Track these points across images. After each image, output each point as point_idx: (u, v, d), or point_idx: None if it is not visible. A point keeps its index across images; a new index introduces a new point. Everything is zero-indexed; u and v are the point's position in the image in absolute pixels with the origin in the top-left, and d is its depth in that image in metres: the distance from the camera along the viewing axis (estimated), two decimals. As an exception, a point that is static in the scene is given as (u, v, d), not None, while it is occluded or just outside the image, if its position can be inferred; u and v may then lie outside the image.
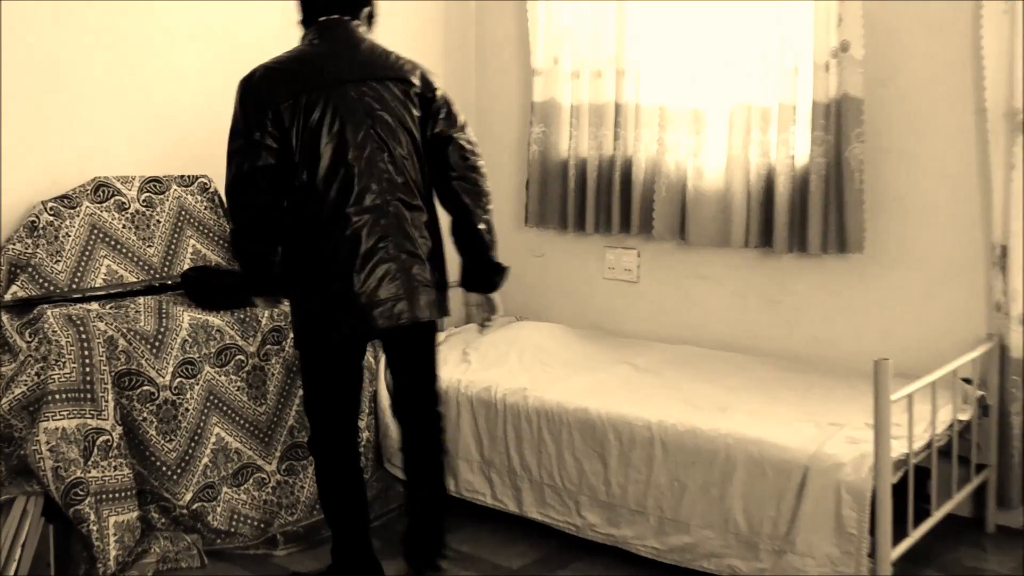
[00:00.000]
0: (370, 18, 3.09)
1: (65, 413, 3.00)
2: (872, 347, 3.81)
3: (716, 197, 4.09)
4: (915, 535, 3.08)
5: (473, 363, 3.90)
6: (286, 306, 3.47)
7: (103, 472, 3.03)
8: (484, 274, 3.06)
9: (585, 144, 4.37)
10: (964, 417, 3.40)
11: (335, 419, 3.05)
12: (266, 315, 3.46)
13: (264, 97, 2.84)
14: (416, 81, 2.97)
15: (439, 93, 3.01)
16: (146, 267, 3.53)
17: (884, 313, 3.89)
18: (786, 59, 3.90)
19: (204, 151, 3.87)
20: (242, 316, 3.42)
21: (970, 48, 3.63)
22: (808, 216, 3.85)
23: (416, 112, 2.96)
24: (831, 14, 3.75)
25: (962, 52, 3.66)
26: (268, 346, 3.47)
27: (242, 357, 3.40)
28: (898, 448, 2.98)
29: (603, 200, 4.37)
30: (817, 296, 4.04)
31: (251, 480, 3.41)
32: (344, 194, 2.86)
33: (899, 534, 2.97)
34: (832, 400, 3.51)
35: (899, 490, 2.96)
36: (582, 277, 4.58)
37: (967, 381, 3.47)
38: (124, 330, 3.16)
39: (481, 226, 3.00)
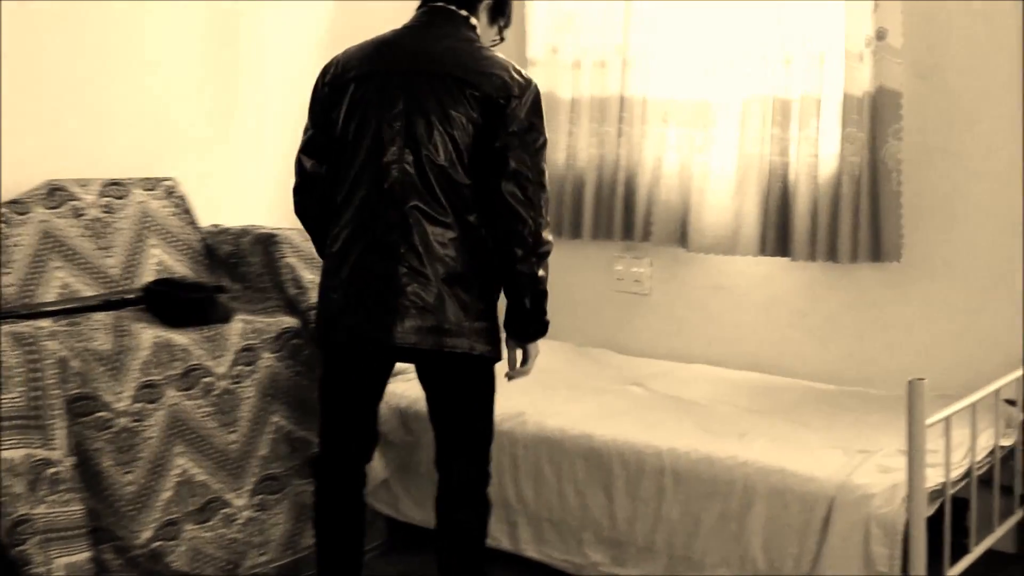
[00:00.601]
0: (492, 13, 3.05)
1: (10, 443, 3.01)
2: (908, 365, 3.82)
3: (725, 199, 4.11)
4: (952, 573, 3.09)
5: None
6: (259, 323, 3.49)
7: (51, 508, 3.04)
8: (518, 322, 3.00)
9: (585, 141, 4.40)
10: (1007, 443, 3.41)
11: (336, 439, 3.09)
12: (237, 333, 3.48)
13: (318, 82, 3.04)
14: (484, 84, 2.84)
15: (515, 103, 2.84)
16: (104, 279, 3.55)
17: (922, 328, 3.91)
18: (811, 47, 3.92)
19: (170, 151, 3.90)
20: (210, 334, 3.44)
21: (1017, 36, 3.65)
22: (839, 221, 3.87)
23: (473, 116, 2.84)
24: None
25: (1009, 40, 3.69)
26: (239, 367, 3.49)
27: (210, 379, 3.42)
28: (934, 477, 2.99)
29: (604, 204, 4.40)
30: (849, 309, 4.07)
31: (218, 516, 3.42)
32: (352, 191, 2.92)
33: (935, 572, 2.98)
34: (863, 424, 3.52)
35: (935, 524, 2.97)
36: (588, 289, 4.60)
37: (1011, 403, 3.48)
38: (78, 349, 3.18)
39: (520, 268, 2.88)
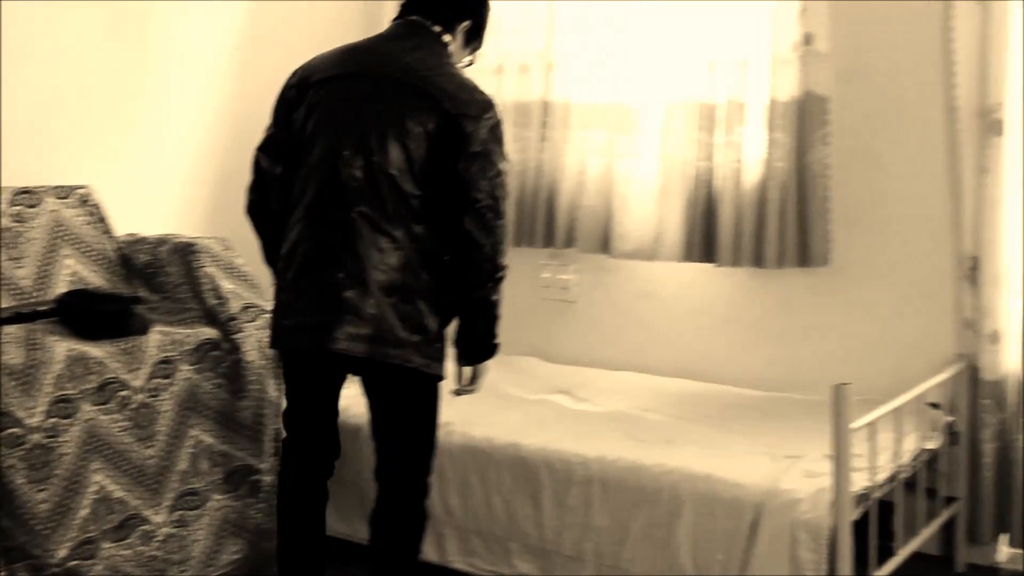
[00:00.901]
0: (468, 36, 3.11)
1: (-81, 461, 2.98)
2: (834, 370, 3.90)
3: (650, 205, 4.17)
4: (878, 577, 3.18)
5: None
6: (177, 335, 3.49)
7: (-37, 527, 3.01)
8: (469, 343, 3.05)
9: (509, 147, 4.39)
10: (932, 446, 3.51)
11: (298, 436, 3.22)
12: (154, 345, 3.47)
13: (285, 84, 3.11)
14: (446, 100, 2.88)
15: (475, 124, 2.88)
16: (15, 291, 3.52)
17: (847, 333, 4.00)
18: (736, 52, 4.00)
19: (84, 157, 3.87)
20: (126, 346, 3.43)
21: (941, 42, 3.76)
22: (765, 226, 3.95)
23: (430, 129, 2.87)
24: (792, 3, 3.86)
25: (933, 46, 3.79)
26: (157, 379, 3.47)
27: (126, 393, 3.40)
28: (860, 481, 3.07)
29: (527, 210, 4.44)
30: (775, 315, 4.15)
31: (136, 533, 3.41)
32: (303, 191, 2.97)
33: (861, 576, 3.07)
34: (790, 430, 3.60)
35: (861, 527, 3.05)
36: (514, 297, 4.60)
37: (935, 406, 3.58)
38: (-11, 364, 3.15)
39: (477, 294, 2.96)
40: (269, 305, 3.75)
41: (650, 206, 4.18)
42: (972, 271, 3.67)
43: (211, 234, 3.89)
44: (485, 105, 2.94)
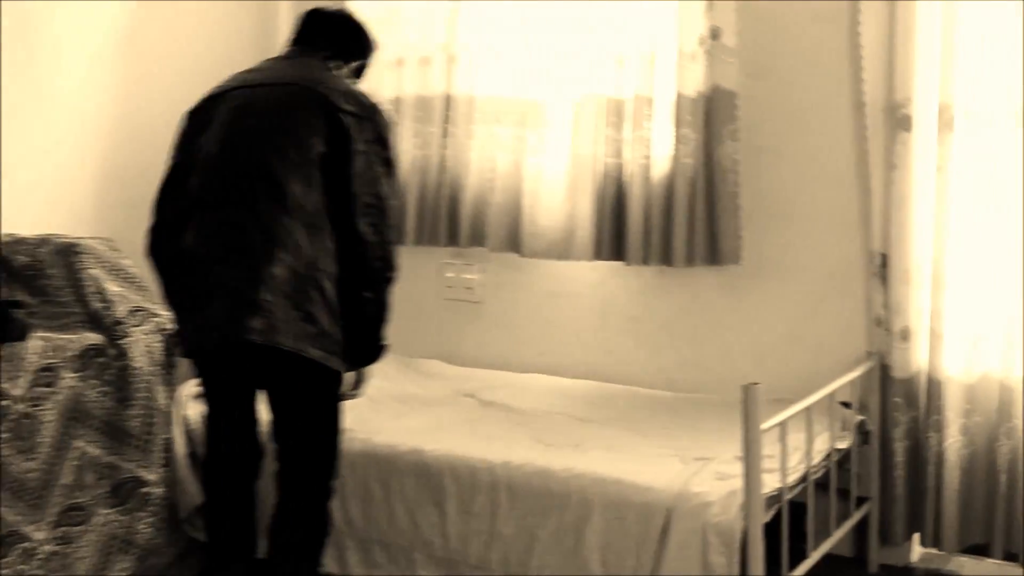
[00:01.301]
0: (356, 72, 3.34)
1: None
2: (744, 370, 3.97)
3: (557, 202, 4.19)
4: (791, 580, 3.22)
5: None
6: (59, 340, 3.42)
7: None
8: (355, 346, 3.11)
9: (409, 143, 4.42)
10: (843, 445, 3.56)
11: (219, 444, 3.29)
12: (35, 351, 3.40)
13: (181, 118, 3.24)
14: (335, 98, 3.03)
15: (362, 123, 3.03)
16: None
17: (757, 332, 4.05)
18: (644, 46, 4.02)
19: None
20: (4, 353, 3.35)
21: (848, 37, 3.82)
22: (673, 224, 3.97)
23: (318, 129, 3.01)
24: (698, -4, 3.87)
25: (840, 41, 3.85)
26: (38, 388, 3.40)
27: (5, 403, 3.33)
28: (770, 483, 3.10)
29: (429, 208, 4.42)
30: (684, 314, 4.18)
31: (16, 551, 3.33)
32: (197, 197, 3.08)
33: (772, 580, 3.10)
34: (700, 431, 3.63)
35: (773, 530, 3.08)
36: (416, 298, 4.62)
37: (846, 405, 3.64)
38: None
39: (366, 295, 3.06)
40: (157, 308, 3.70)
41: (558, 203, 4.18)
42: (882, 268, 3.73)
43: (95, 234, 3.82)
44: (370, 107, 3.09)
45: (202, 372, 3.24)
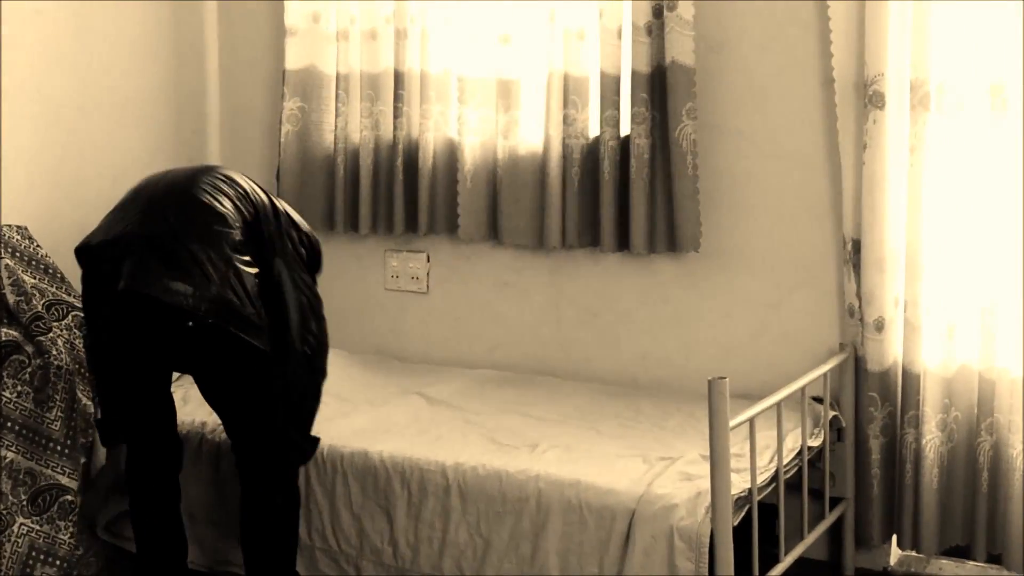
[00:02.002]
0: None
1: None
2: (709, 364, 3.94)
3: (531, 187, 4.16)
4: (762, 586, 3.20)
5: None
6: None
7: None
8: None
9: (357, 123, 4.37)
10: (815, 443, 3.55)
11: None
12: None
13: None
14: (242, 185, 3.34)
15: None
16: None
17: (722, 323, 4.04)
18: (608, 18, 3.98)
19: None
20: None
21: (816, 8, 3.80)
22: (631, 209, 3.95)
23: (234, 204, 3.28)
24: (650, -37, 3.85)
25: (808, 13, 3.83)
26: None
27: (-87, 404, 3.26)
28: (739, 483, 3.09)
29: (382, 193, 4.38)
30: (643, 305, 4.16)
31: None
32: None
33: (743, 585, 3.08)
34: (664, 429, 3.62)
35: (742, 533, 3.06)
36: (358, 289, 4.57)
37: (818, 400, 3.63)
38: None
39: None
40: (78, 302, 3.63)
41: (512, 187, 4.15)
42: (854, 255, 3.73)
43: (9, 222, 3.74)
44: None
45: None
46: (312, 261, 3.45)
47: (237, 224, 3.23)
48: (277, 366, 3.22)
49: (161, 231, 3.18)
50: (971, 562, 3.77)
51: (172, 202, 3.25)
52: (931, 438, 3.63)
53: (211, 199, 3.23)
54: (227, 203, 3.25)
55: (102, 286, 3.20)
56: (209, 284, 3.10)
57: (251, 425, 3.29)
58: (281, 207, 3.41)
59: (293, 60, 4.42)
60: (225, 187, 3.29)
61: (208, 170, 3.39)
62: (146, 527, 3.44)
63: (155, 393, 3.39)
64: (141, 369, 3.32)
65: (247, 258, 3.21)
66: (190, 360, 3.29)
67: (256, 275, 3.21)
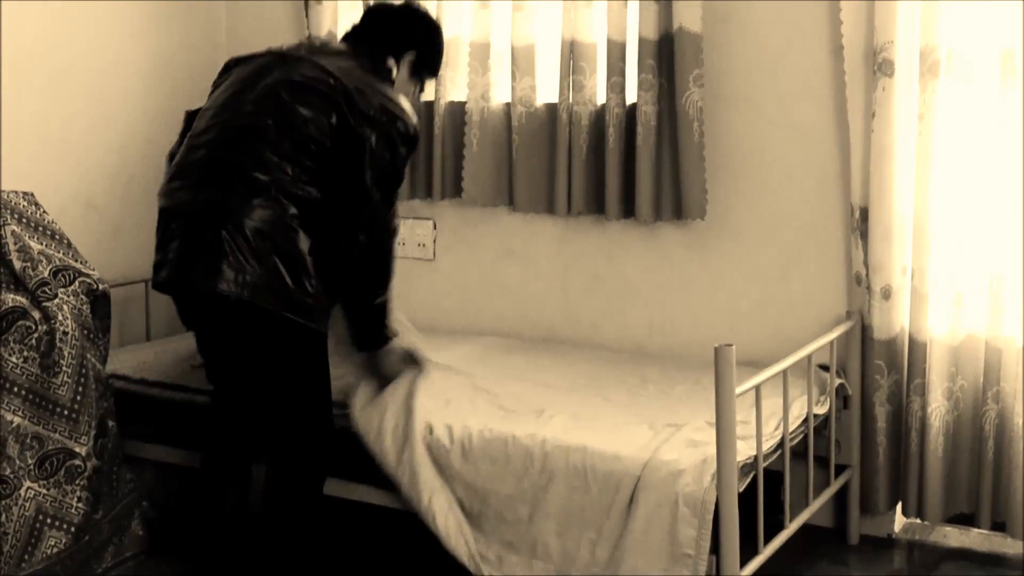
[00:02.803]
0: (415, 67, 3.52)
1: None
2: (716, 331, 3.95)
3: (540, 153, 4.15)
4: (767, 552, 3.20)
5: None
6: None
7: None
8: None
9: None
10: (821, 411, 3.55)
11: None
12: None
13: None
14: (359, 100, 3.20)
15: (369, 123, 3.20)
16: None
17: (729, 291, 4.03)
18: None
19: None
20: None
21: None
22: (637, 176, 3.95)
23: (325, 116, 3.18)
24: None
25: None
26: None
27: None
28: (745, 450, 3.09)
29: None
30: (650, 273, 4.15)
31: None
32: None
33: (748, 552, 3.08)
34: (670, 397, 3.62)
35: (748, 500, 3.07)
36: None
37: (824, 368, 3.62)
38: None
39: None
40: (85, 267, 3.63)
41: (522, 153, 4.15)
42: (861, 223, 3.72)
43: (14, 188, 3.74)
44: (391, 114, 3.24)
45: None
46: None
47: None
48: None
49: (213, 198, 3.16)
50: (975, 529, 3.77)
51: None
52: (936, 406, 3.62)
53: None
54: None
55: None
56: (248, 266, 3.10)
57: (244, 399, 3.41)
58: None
59: (313, 27, 4.43)
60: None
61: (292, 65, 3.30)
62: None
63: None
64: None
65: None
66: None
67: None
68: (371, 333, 3.42)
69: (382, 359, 3.47)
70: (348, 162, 3.19)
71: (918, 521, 3.80)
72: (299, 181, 3.15)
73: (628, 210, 4.02)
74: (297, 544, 3.31)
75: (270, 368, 3.28)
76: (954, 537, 3.86)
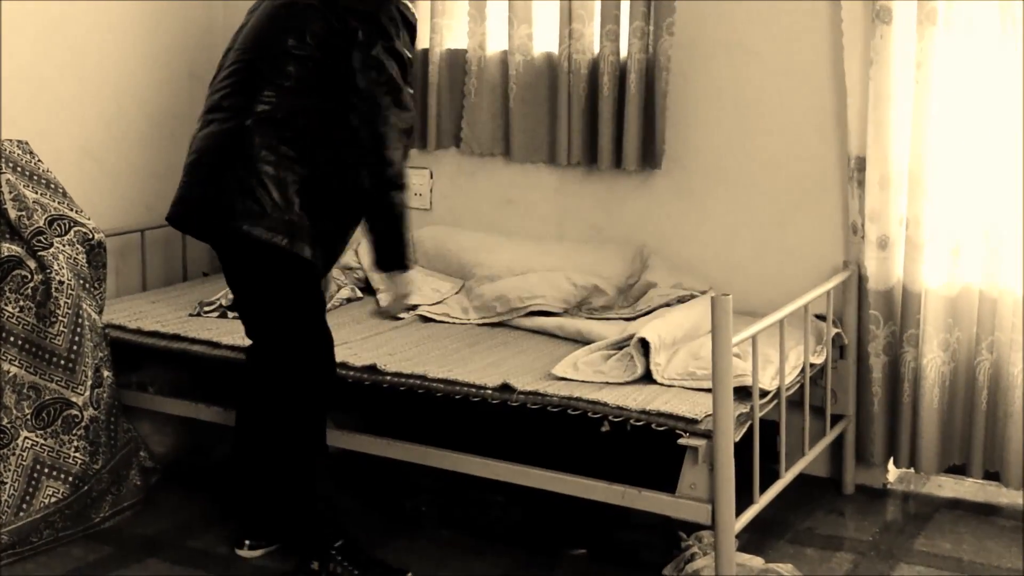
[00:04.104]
0: None
1: None
2: (712, 281, 3.95)
3: (541, 101, 4.14)
4: (762, 501, 3.20)
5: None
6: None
7: None
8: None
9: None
10: (817, 360, 3.54)
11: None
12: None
13: None
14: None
15: (358, 17, 3.11)
16: None
17: (726, 240, 4.02)
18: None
19: None
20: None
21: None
22: (625, 124, 3.94)
23: (316, 26, 3.13)
24: None
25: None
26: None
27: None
28: (741, 400, 3.08)
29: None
30: (648, 222, 4.13)
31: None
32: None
33: (744, 501, 3.09)
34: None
35: (744, 449, 3.07)
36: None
37: (820, 318, 3.61)
38: None
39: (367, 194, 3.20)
40: (81, 216, 3.62)
41: (519, 103, 4.14)
42: (859, 172, 3.70)
43: (9, 136, 3.72)
44: (374, 4, 3.13)
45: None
46: None
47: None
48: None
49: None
50: (970, 479, 3.78)
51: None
52: (932, 357, 3.62)
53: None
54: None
55: None
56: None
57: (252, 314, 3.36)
58: None
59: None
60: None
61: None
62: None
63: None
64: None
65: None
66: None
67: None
68: (390, 250, 3.30)
69: (400, 284, 3.35)
70: (343, 63, 3.13)
71: (913, 471, 3.81)
72: (287, 98, 3.14)
73: (620, 159, 4.00)
74: (295, 491, 3.32)
75: (256, 294, 3.28)
76: (949, 487, 3.87)
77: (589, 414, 3.15)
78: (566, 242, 4.20)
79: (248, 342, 3.39)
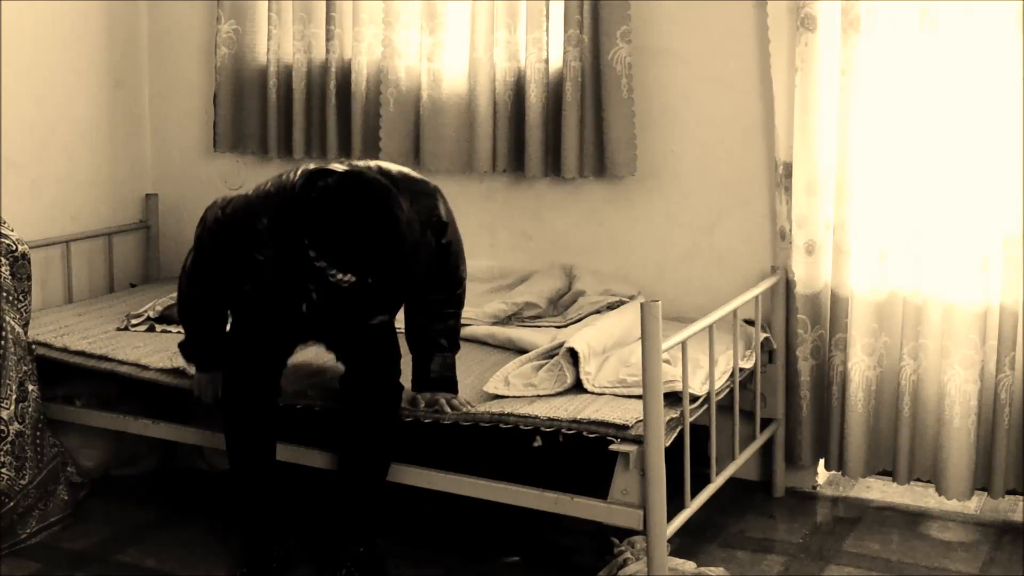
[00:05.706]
0: None
1: None
2: (642, 287, 3.98)
3: (458, 110, 4.13)
4: (694, 505, 3.23)
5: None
6: None
7: None
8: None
9: (290, 46, 4.32)
10: (747, 365, 3.59)
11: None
12: None
13: None
14: None
15: None
16: None
17: (655, 246, 4.05)
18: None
19: None
20: None
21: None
22: (564, 133, 3.95)
23: None
24: None
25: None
26: None
27: None
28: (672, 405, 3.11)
29: (316, 116, 4.35)
30: (577, 229, 4.15)
31: None
32: None
33: (675, 505, 3.11)
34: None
35: (674, 454, 3.09)
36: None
37: (749, 323, 3.66)
38: None
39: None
40: (3, 228, 3.56)
41: (458, 112, 4.13)
42: (785, 178, 3.75)
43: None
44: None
45: None
46: None
47: None
48: None
49: None
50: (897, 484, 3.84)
51: None
52: (856, 361, 3.67)
53: None
54: None
55: None
56: None
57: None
58: None
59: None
60: None
61: None
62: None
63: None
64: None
65: None
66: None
67: None
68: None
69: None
70: None
71: (840, 474, 3.85)
72: None
73: (553, 167, 4.02)
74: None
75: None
76: (877, 489, 3.92)
77: (521, 427, 3.16)
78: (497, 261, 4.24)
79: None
